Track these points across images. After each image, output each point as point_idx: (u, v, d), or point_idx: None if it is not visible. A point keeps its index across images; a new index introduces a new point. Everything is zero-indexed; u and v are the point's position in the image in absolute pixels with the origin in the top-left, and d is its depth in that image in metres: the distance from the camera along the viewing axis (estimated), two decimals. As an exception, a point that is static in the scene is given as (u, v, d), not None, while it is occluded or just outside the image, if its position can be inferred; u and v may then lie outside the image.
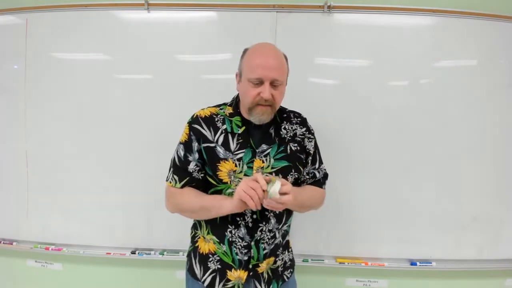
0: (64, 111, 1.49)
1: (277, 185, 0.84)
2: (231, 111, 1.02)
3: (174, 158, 1.02)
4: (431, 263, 1.49)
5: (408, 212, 1.47)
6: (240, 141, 0.98)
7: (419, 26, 1.40)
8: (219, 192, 0.99)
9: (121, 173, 1.50)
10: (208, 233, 1.03)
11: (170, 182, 1.01)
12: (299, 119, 1.09)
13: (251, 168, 0.96)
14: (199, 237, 1.06)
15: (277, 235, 1.03)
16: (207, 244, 1.03)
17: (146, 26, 1.44)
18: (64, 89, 1.48)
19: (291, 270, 1.12)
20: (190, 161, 0.99)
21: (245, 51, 0.98)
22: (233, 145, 0.97)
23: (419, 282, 1.56)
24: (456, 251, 1.49)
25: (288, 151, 1.01)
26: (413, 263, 1.49)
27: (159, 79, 1.45)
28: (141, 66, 1.46)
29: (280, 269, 1.06)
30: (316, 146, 1.10)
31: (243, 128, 0.99)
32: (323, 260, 1.50)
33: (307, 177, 1.09)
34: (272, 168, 0.98)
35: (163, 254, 1.52)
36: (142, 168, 1.48)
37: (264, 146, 0.98)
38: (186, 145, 0.99)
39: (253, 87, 0.92)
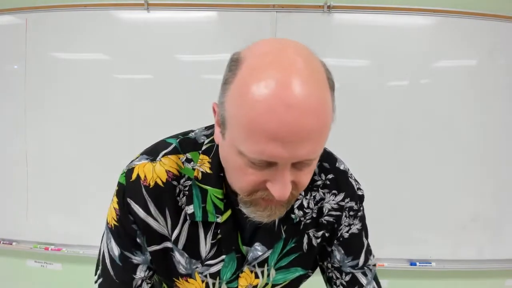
0: (64, 111, 1.49)
1: None
2: (207, 170, 0.52)
3: (103, 255, 0.55)
4: (430, 263, 1.49)
5: (408, 212, 1.47)
6: (219, 237, 0.53)
7: (419, 26, 1.40)
8: None
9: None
10: None
11: None
12: (330, 175, 0.58)
13: None
14: None
15: None
16: None
17: (146, 26, 1.44)
18: (64, 89, 1.48)
19: None
20: (136, 267, 0.54)
21: (236, 63, 0.42)
22: (204, 247, 0.53)
23: (419, 282, 1.55)
24: (456, 251, 1.49)
25: (305, 246, 0.57)
26: (413, 263, 1.49)
27: (159, 79, 1.45)
28: (141, 66, 1.45)
29: None
30: (363, 223, 0.65)
31: (228, 213, 0.52)
32: (323, 260, 1.50)
33: (336, 274, 0.61)
34: (273, 286, 0.58)
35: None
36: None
37: (258, 248, 0.53)
38: (121, 235, 0.53)
39: (252, 168, 0.42)
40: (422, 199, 1.46)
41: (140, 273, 0.54)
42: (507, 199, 1.47)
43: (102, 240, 0.56)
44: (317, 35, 1.41)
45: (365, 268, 0.60)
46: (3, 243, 1.59)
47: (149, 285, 0.57)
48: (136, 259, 0.54)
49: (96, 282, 0.57)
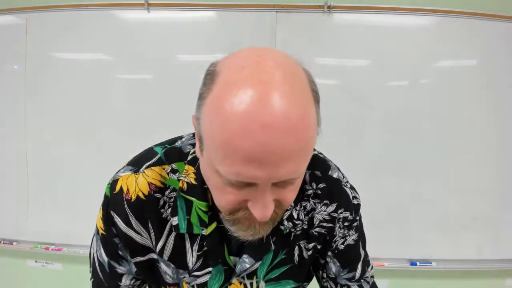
0: (64, 111, 1.49)
1: None
2: (192, 181, 0.50)
3: (93, 258, 0.56)
4: (431, 263, 1.49)
5: (408, 212, 1.47)
6: (205, 250, 0.51)
7: (419, 26, 1.40)
8: None
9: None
10: None
11: None
12: (321, 185, 0.55)
13: None
14: None
15: None
16: None
17: (146, 26, 1.44)
18: (64, 89, 1.48)
19: None
20: (121, 274, 0.54)
21: (211, 76, 0.39)
22: (191, 258, 0.52)
23: (419, 282, 1.55)
24: (456, 251, 1.49)
25: (296, 258, 0.55)
26: (413, 263, 1.49)
27: (159, 79, 1.45)
28: (141, 66, 1.45)
29: None
30: (360, 232, 0.61)
31: (213, 225, 0.50)
32: (323, 260, 1.50)
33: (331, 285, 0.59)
34: None
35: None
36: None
37: (246, 260, 0.51)
38: (107, 245, 0.53)
39: (231, 187, 0.39)
40: (422, 199, 1.46)
41: (126, 281, 0.54)
42: (507, 199, 1.47)
43: (92, 242, 0.57)
44: (317, 35, 1.41)
45: (362, 280, 0.58)
46: (3, 243, 1.59)
47: None
48: (121, 268, 0.54)
49: (91, 279, 0.58)
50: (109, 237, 0.51)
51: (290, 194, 0.42)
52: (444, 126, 1.43)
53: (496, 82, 1.42)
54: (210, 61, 0.41)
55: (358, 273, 0.57)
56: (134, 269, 0.54)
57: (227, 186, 0.39)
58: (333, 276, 0.56)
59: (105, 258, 0.53)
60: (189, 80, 1.44)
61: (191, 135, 0.56)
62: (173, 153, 0.53)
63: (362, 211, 0.62)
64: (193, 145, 0.53)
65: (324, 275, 0.58)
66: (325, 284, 0.59)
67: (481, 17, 1.39)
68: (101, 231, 0.53)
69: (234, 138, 0.34)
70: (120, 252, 0.52)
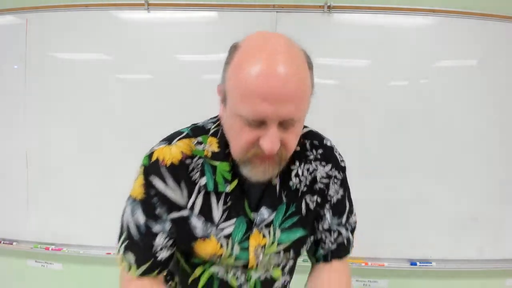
0: (64, 111, 1.49)
1: None
2: (216, 150, 0.61)
3: (127, 224, 0.64)
4: (431, 263, 1.49)
5: (408, 212, 1.47)
6: (229, 204, 0.61)
7: (419, 26, 1.40)
8: (196, 265, 0.66)
9: (121, 172, 1.50)
10: None
11: (123, 263, 0.66)
12: (320, 150, 0.69)
13: (246, 249, 0.62)
14: None
15: None
16: None
17: (146, 26, 1.44)
18: (64, 89, 1.48)
19: None
20: (156, 234, 0.61)
21: (234, 48, 0.56)
22: (217, 212, 0.61)
23: (419, 282, 1.55)
24: (456, 251, 1.49)
25: (304, 210, 0.66)
26: (413, 263, 1.49)
27: (159, 79, 1.45)
28: (141, 66, 1.45)
29: None
30: (346, 190, 0.73)
31: (235, 182, 0.61)
32: (323, 260, 1.50)
33: (330, 244, 0.70)
34: (279, 244, 0.65)
35: (163, 254, 1.52)
36: (142, 168, 1.48)
37: (264, 212, 0.63)
38: (146, 206, 0.61)
39: (247, 127, 0.52)
40: (422, 199, 1.46)
41: (160, 240, 0.62)
42: (507, 199, 1.47)
43: (124, 212, 0.65)
44: (317, 35, 1.41)
45: (347, 224, 0.72)
46: (3, 243, 1.59)
47: (169, 252, 0.63)
48: (156, 227, 0.61)
49: (121, 245, 0.66)
50: (148, 199, 0.60)
51: (291, 137, 0.54)
52: (444, 126, 1.43)
53: (496, 82, 1.42)
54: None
55: (344, 219, 0.71)
56: (168, 227, 0.62)
57: (245, 126, 0.52)
58: (328, 227, 0.70)
59: (142, 221, 0.61)
60: (189, 80, 1.44)
61: (209, 118, 0.69)
62: (197, 129, 0.65)
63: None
64: (213, 123, 0.66)
65: (321, 228, 0.70)
66: (320, 236, 0.71)
67: (481, 17, 1.39)
68: (140, 196, 0.61)
69: (251, 84, 0.49)
70: (157, 212, 0.61)
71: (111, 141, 1.49)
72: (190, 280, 0.68)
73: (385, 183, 1.46)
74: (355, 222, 0.74)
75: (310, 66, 0.56)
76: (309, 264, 0.73)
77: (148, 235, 0.61)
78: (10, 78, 1.51)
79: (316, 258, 0.72)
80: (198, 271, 0.66)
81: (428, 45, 1.40)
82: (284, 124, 0.52)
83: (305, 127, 0.70)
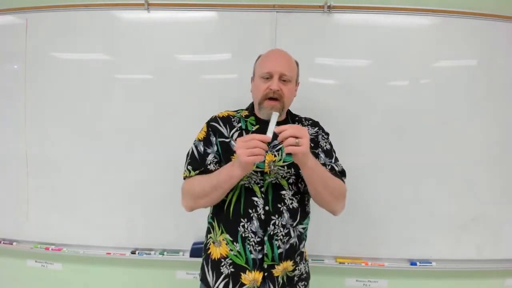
0: (64, 111, 1.49)
1: (272, 119, 0.88)
2: (247, 113, 1.08)
3: (191, 151, 1.03)
4: (431, 263, 1.49)
5: (408, 212, 1.47)
6: None
7: (419, 26, 1.40)
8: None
9: (121, 173, 1.50)
10: (221, 233, 1.00)
11: (185, 173, 1.02)
12: (310, 121, 1.12)
13: (263, 162, 0.96)
14: (210, 243, 1.04)
15: (292, 233, 0.99)
16: (218, 249, 1.00)
17: (146, 26, 1.44)
18: (64, 89, 1.48)
19: (306, 283, 1.07)
20: (209, 153, 1.01)
21: (259, 56, 1.08)
22: None
23: (419, 282, 1.56)
24: (456, 251, 1.49)
25: None
26: (413, 263, 1.49)
27: (159, 79, 1.45)
28: (141, 66, 1.46)
29: (296, 278, 1.02)
30: (331, 145, 1.09)
31: (257, 126, 1.03)
32: (323, 260, 1.50)
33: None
34: (284, 162, 0.98)
35: (163, 254, 1.52)
36: (142, 168, 1.48)
37: (276, 142, 0.94)
38: (205, 140, 1.02)
39: (263, 82, 0.99)
40: (422, 199, 1.46)
41: (210, 157, 1.01)
42: (507, 199, 1.47)
43: (191, 147, 1.05)
44: (317, 35, 1.41)
45: (336, 163, 1.06)
46: (3, 243, 1.59)
47: (216, 166, 1.00)
48: (210, 149, 1.02)
49: (186, 165, 1.03)
50: (207, 134, 1.04)
51: (287, 89, 1.00)
52: (444, 126, 1.43)
53: (496, 82, 1.42)
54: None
55: (333, 160, 1.06)
56: (215, 149, 1.02)
57: (262, 82, 1.00)
58: (323, 162, 1.04)
59: (200, 147, 1.03)
60: (189, 80, 1.44)
61: (244, 108, 1.13)
62: (238, 109, 1.13)
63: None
64: (248, 106, 1.12)
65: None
66: None
67: (481, 17, 1.39)
68: (202, 135, 1.04)
69: (263, 58, 1.05)
70: (211, 139, 1.03)
71: (111, 141, 1.49)
72: (225, 206, 1.00)
73: (385, 183, 1.46)
74: (342, 167, 1.07)
75: (297, 65, 1.07)
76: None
77: (204, 154, 1.01)
78: (10, 78, 1.51)
79: None
80: (230, 195, 0.99)
81: (428, 45, 1.40)
82: (282, 78, 0.99)
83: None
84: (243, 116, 1.07)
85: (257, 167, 0.96)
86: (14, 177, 1.55)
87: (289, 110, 1.09)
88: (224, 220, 1.00)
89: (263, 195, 0.97)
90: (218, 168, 0.98)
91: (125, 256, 1.52)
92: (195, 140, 1.05)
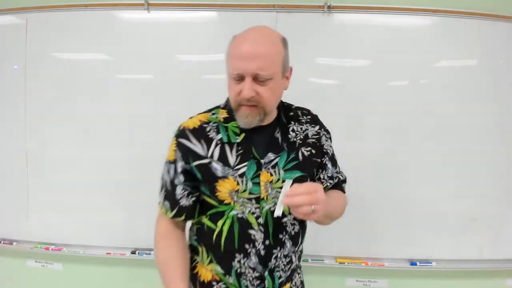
0: (64, 111, 1.49)
1: (286, 185, 0.72)
2: (226, 115, 0.84)
3: (164, 177, 0.86)
4: (431, 263, 1.49)
5: (408, 212, 1.47)
6: (241, 151, 0.81)
7: (419, 26, 1.40)
8: (220, 214, 0.82)
9: (121, 173, 1.50)
10: (210, 262, 0.85)
11: (161, 208, 0.87)
12: (309, 117, 0.93)
13: (258, 184, 0.79)
14: (198, 263, 0.89)
15: (294, 259, 0.87)
16: (209, 272, 0.86)
17: (146, 26, 1.44)
18: (64, 89, 1.48)
19: None
20: (176, 185, 0.83)
21: (231, 40, 0.79)
22: (232, 158, 0.80)
23: (419, 282, 1.56)
24: (456, 251, 1.49)
25: (300, 157, 0.84)
26: (413, 263, 1.49)
27: (159, 79, 1.46)
28: (141, 66, 1.46)
29: None
30: (332, 147, 0.96)
31: (242, 135, 0.81)
32: (323, 260, 1.50)
33: (330, 181, 0.92)
34: (283, 181, 0.80)
35: (163, 254, 1.52)
36: (142, 168, 1.47)
37: (270, 155, 0.81)
38: (175, 164, 0.84)
39: (234, 83, 0.76)
40: (422, 199, 1.46)
41: (178, 190, 0.83)
42: (507, 199, 1.47)
43: (163, 171, 0.87)
44: (317, 35, 1.41)
45: (341, 173, 0.97)
46: (3, 243, 1.59)
47: (191, 198, 0.85)
48: (175, 180, 0.84)
49: (162, 200, 0.86)
50: (176, 155, 0.83)
51: (265, 90, 0.75)
52: (444, 126, 1.43)
53: (496, 82, 1.42)
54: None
55: (338, 169, 0.96)
56: (182, 179, 0.83)
57: (233, 82, 0.76)
58: (330, 175, 0.92)
59: (171, 174, 0.84)
60: (189, 80, 1.44)
61: (221, 104, 0.90)
62: (212, 108, 0.90)
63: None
64: (226, 103, 0.87)
65: (326, 176, 0.92)
66: (326, 184, 0.92)
67: (481, 17, 1.39)
68: (171, 156, 0.84)
69: (232, 52, 0.76)
70: (177, 166, 0.83)
71: (111, 141, 1.49)
72: (214, 236, 0.83)
73: (385, 183, 1.46)
74: (344, 175, 0.98)
75: (285, 44, 0.79)
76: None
77: (172, 186, 0.84)
78: (10, 78, 1.51)
79: None
80: (220, 223, 0.82)
81: (428, 45, 1.40)
82: (258, 79, 0.74)
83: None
84: (222, 120, 0.84)
85: (251, 193, 0.79)
86: (14, 177, 1.55)
87: (281, 101, 0.91)
88: (214, 250, 0.84)
89: (261, 228, 0.80)
90: (191, 201, 0.84)
91: (125, 256, 1.52)
92: (166, 161, 0.86)
